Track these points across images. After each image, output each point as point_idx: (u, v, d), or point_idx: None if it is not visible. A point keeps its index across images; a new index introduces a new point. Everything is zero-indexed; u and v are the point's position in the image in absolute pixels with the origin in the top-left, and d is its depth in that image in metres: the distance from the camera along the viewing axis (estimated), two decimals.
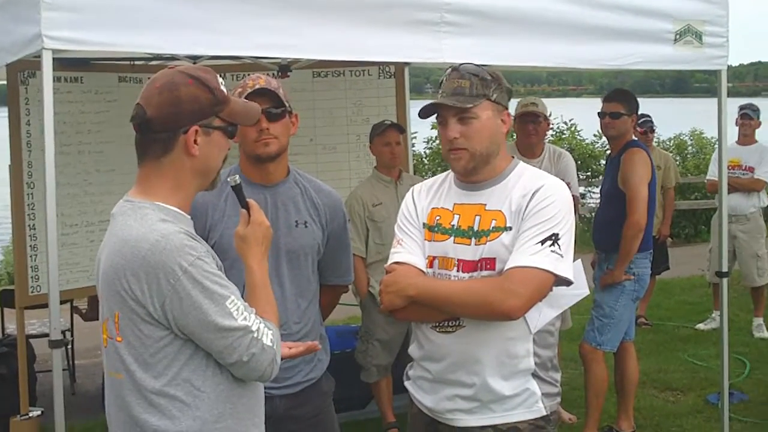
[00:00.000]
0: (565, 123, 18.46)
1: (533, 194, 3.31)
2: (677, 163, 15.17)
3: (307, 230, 3.89)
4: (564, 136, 18.10)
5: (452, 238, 3.41)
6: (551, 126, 16.64)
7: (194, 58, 6.72)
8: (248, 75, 4.60)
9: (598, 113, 6.48)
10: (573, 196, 6.51)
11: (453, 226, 3.42)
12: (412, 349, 3.60)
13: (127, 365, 2.73)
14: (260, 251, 2.99)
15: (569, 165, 6.84)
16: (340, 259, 4.08)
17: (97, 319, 7.61)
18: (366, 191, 6.56)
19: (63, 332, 8.08)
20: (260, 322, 2.77)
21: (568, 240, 3.28)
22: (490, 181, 3.44)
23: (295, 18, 4.48)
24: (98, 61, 6.67)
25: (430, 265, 3.45)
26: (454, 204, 3.48)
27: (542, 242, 3.22)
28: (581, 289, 3.57)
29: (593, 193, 17.18)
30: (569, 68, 5.51)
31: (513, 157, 3.57)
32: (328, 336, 6.90)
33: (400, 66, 7.65)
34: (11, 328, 7.83)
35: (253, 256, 2.96)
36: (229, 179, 3.07)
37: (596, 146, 17.66)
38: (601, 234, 6.55)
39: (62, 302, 7.37)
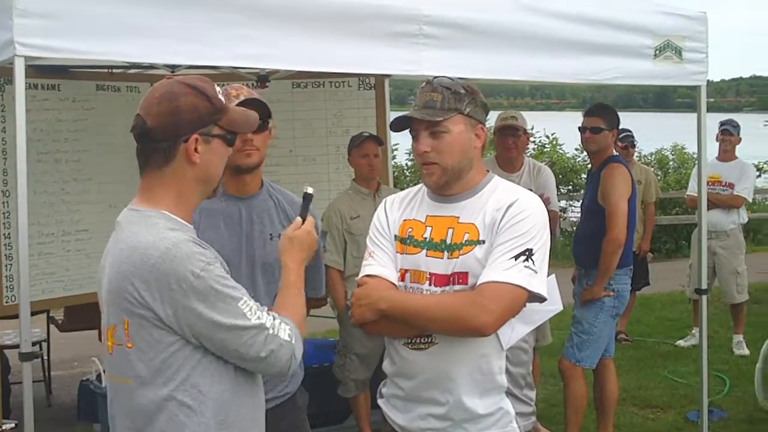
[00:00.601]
0: (547, 137, 18.48)
1: (507, 208, 3.26)
2: (658, 177, 15.21)
3: None
4: (546, 149, 18.10)
5: (424, 251, 3.36)
6: (533, 140, 16.72)
7: (172, 68, 6.68)
8: (227, 84, 4.59)
9: (579, 128, 6.46)
10: (552, 210, 6.61)
11: (425, 238, 3.37)
12: (385, 365, 3.55)
13: (137, 371, 2.75)
14: (301, 256, 3.14)
15: (549, 179, 6.81)
16: (312, 271, 4.02)
17: (74, 330, 7.57)
18: (344, 204, 6.52)
19: (39, 343, 8.04)
20: (275, 319, 2.82)
21: (542, 255, 3.24)
22: (463, 194, 3.39)
23: (272, 28, 4.46)
24: (76, 68, 6.61)
25: (402, 278, 3.40)
26: (427, 216, 3.43)
27: (516, 257, 3.17)
28: (555, 305, 3.55)
29: (574, 207, 17.17)
30: (548, 82, 5.50)
31: (488, 171, 3.52)
32: (305, 349, 6.94)
33: (380, 78, 7.62)
34: None
35: (293, 258, 3.12)
36: (307, 189, 3.25)
37: (578, 160, 17.65)
38: (581, 249, 6.52)
39: (38, 312, 7.40)
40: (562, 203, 16.37)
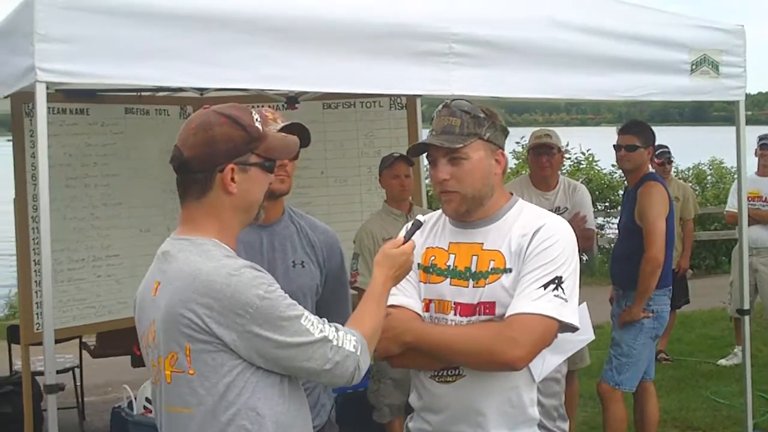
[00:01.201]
0: (583, 153, 18.30)
1: (534, 234, 3.12)
2: (696, 193, 15.00)
3: (305, 270, 3.76)
4: (581, 166, 17.92)
5: (448, 279, 3.23)
6: (568, 156, 16.57)
7: (201, 90, 6.63)
8: (260, 106, 4.55)
9: (614, 146, 6.33)
10: (590, 228, 6.49)
11: (449, 266, 3.25)
12: (412, 399, 3.41)
13: (200, 397, 2.75)
14: (391, 273, 3.10)
15: (585, 197, 6.68)
16: (339, 298, 3.92)
17: (106, 356, 7.54)
18: (376, 225, 6.43)
19: (71, 369, 8.01)
20: (338, 330, 2.82)
21: (572, 283, 3.09)
22: (487, 219, 3.25)
23: (296, 50, 4.40)
24: (104, 92, 6.57)
25: (427, 308, 3.28)
26: (450, 243, 3.30)
27: (545, 286, 3.04)
28: (587, 334, 3.41)
29: (611, 224, 16.97)
30: (581, 100, 5.37)
31: (512, 194, 3.38)
32: None
33: (411, 97, 7.52)
34: (19, 364, 7.68)
35: (383, 273, 3.09)
36: (419, 217, 3.25)
37: (614, 176, 17.48)
38: (619, 269, 6.38)
39: (70, 339, 7.36)
40: (599, 220, 16.21)
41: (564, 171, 16.65)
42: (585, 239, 6.49)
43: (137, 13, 4.11)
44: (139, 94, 6.91)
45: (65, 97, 6.36)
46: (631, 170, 6.27)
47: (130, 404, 6.19)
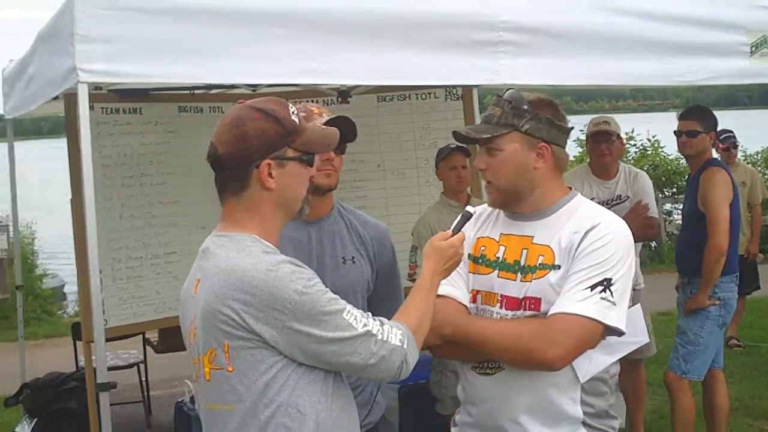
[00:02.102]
0: (649, 140, 18.05)
1: (587, 233, 3.03)
2: (765, 177, 14.66)
3: (355, 266, 3.69)
4: (648, 153, 17.65)
5: (497, 271, 3.17)
6: (632, 143, 16.34)
7: (253, 87, 6.61)
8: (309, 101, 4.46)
9: (675, 132, 6.20)
10: (652, 217, 6.35)
11: (498, 258, 3.18)
12: (458, 391, 3.38)
13: (239, 394, 2.72)
14: (440, 266, 3.07)
15: (646, 185, 6.53)
16: (392, 294, 3.85)
17: (169, 351, 7.62)
18: (434, 217, 6.37)
19: (136, 364, 8.11)
20: (383, 324, 2.78)
21: (622, 286, 3.00)
22: (540, 212, 3.17)
23: (338, 43, 4.37)
24: (157, 91, 6.59)
25: (474, 299, 3.23)
26: (501, 234, 3.23)
27: (592, 288, 2.95)
28: (640, 336, 3.30)
29: (678, 210, 16.70)
30: (635, 86, 5.24)
31: (571, 188, 3.29)
32: None
33: (467, 87, 7.42)
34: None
35: (430, 266, 3.06)
36: (469, 208, 3.23)
37: (681, 162, 17.16)
38: (684, 257, 6.26)
39: (133, 335, 7.43)
40: (667, 206, 15.97)
41: (630, 158, 16.44)
42: (648, 227, 6.39)
43: (175, 11, 4.10)
44: (192, 92, 6.92)
45: (118, 97, 6.39)
46: (693, 156, 6.13)
47: (192, 399, 6.22)
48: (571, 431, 3.13)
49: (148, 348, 8.38)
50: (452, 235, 3.11)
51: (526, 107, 3.11)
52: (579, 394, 3.12)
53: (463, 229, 3.17)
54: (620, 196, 6.44)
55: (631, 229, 6.22)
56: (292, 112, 2.85)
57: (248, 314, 2.63)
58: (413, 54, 4.51)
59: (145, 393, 8.37)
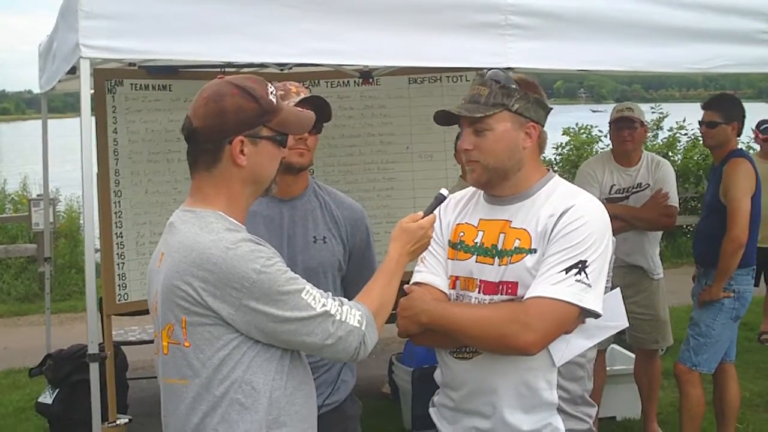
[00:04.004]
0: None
1: (561, 215, 3.01)
2: None
3: (326, 246, 3.70)
4: (699, 141, 17.38)
5: (475, 256, 3.16)
6: (684, 132, 16.10)
7: (282, 66, 6.64)
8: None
9: (699, 122, 6.13)
10: (673, 206, 6.28)
11: (476, 243, 3.17)
12: (436, 374, 3.39)
13: (195, 369, 2.74)
14: (407, 249, 3.08)
15: (668, 173, 6.45)
16: (365, 276, 3.86)
17: None
18: None
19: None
20: (342, 305, 2.80)
21: (598, 267, 2.98)
22: (517, 196, 3.16)
23: (346, 23, 4.37)
24: (186, 68, 6.65)
25: (453, 285, 3.23)
26: (480, 219, 3.23)
27: (566, 270, 2.93)
28: (619, 320, 3.27)
29: None
30: (647, 72, 5.15)
31: (549, 169, 3.27)
32: (417, 351, 6.81)
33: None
34: (116, 333, 7.90)
35: (396, 247, 3.07)
36: (442, 191, 3.16)
37: None
38: (701, 247, 6.16)
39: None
40: None
41: (680, 147, 16.22)
42: (667, 216, 6.34)
43: None
44: (222, 69, 6.96)
45: (148, 73, 6.45)
46: (713, 147, 6.04)
47: None
48: (547, 416, 3.12)
49: None
50: (423, 217, 3.11)
51: (514, 86, 3.11)
52: (555, 377, 3.10)
53: (435, 212, 3.17)
54: (641, 183, 6.38)
55: (650, 217, 6.22)
56: (271, 92, 2.85)
57: (206, 291, 2.65)
58: (421, 35, 4.50)
59: None
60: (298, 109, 3.09)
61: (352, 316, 2.79)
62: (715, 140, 6.00)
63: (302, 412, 2.89)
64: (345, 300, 2.84)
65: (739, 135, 6.04)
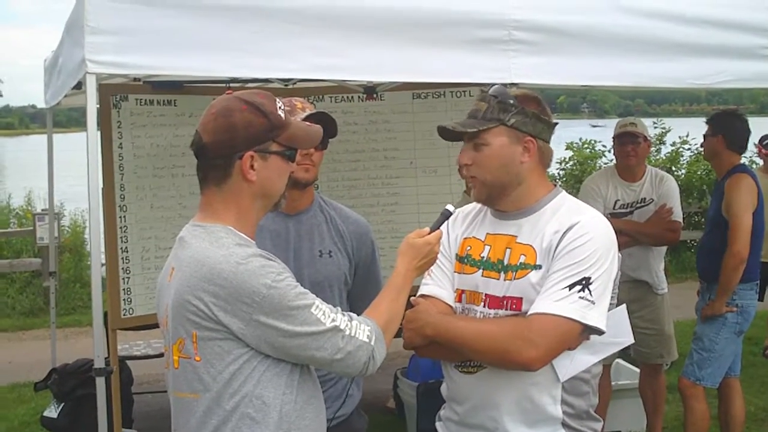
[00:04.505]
0: None
1: (566, 232, 3.02)
2: None
3: (332, 260, 3.72)
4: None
5: (481, 270, 3.18)
6: (687, 147, 16.11)
7: (286, 81, 6.68)
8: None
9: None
10: (676, 221, 6.30)
11: (482, 258, 3.19)
12: (443, 388, 3.41)
13: (206, 384, 2.75)
14: (414, 264, 3.08)
15: (671, 188, 6.47)
16: (370, 290, 3.87)
17: None
18: None
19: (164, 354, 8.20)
20: (351, 320, 2.81)
21: (602, 284, 2.98)
22: (523, 211, 3.18)
23: (349, 39, 4.40)
24: (192, 84, 6.67)
25: (459, 299, 3.24)
26: (487, 234, 3.24)
27: (570, 287, 2.94)
28: (624, 337, 3.27)
29: None
30: (650, 87, 5.20)
31: (555, 185, 3.29)
32: (423, 365, 6.81)
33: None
34: (121, 347, 7.91)
35: (404, 262, 3.08)
36: (449, 206, 3.18)
37: None
38: (704, 262, 6.18)
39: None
40: None
41: (683, 162, 16.23)
42: (671, 231, 6.35)
43: (185, 4, 4.17)
44: (227, 85, 6.99)
45: (153, 88, 6.48)
46: (709, 159, 6.17)
47: None
48: (551, 431, 3.13)
49: None
50: (429, 233, 3.12)
51: (512, 102, 3.12)
52: (560, 393, 3.10)
53: (441, 228, 3.19)
54: (645, 198, 6.40)
55: (654, 232, 6.23)
56: (279, 107, 2.87)
57: (217, 306, 2.66)
58: (425, 51, 4.53)
59: None
60: (306, 123, 3.12)
61: (362, 331, 2.80)
62: (706, 152, 6.20)
63: (312, 426, 2.90)
64: (354, 315, 2.85)
65: (736, 148, 6.03)
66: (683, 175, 15.66)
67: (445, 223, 3.23)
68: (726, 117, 6.13)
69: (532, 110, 3.14)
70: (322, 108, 4.34)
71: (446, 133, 3.26)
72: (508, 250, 3.13)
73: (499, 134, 3.10)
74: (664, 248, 6.73)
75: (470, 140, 3.14)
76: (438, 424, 3.44)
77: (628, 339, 3.32)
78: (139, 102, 6.44)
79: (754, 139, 8.18)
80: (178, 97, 6.69)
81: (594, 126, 43.47)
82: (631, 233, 6.22)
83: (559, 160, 16.35)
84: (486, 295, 3.14)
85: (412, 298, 3.29)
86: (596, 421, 3.26)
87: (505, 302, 3.08)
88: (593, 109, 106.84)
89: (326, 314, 2.74)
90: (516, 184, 3.15)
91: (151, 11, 4.11)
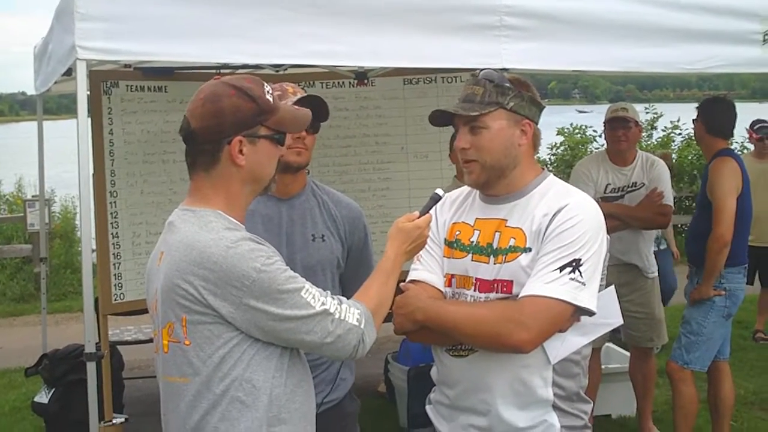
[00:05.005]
0: None
1: (555, 214, 3.04)
2: None
3: (325, 244, 3.72)
4: (694, 142, 17.44)
5: (470, 255, 3.19)
6: (679, 132, 16.15)
7: (277, 67, 6.66)
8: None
9: None
10: (667, 205, 6.32)
11: (472, 242, 3.20)
12: (433, 372, 3.42)
13: (195, 368, 2.75)
14: (404, 248, 3.10)
15: (662, 173, 6.49)
16: (362, 274, 3.87)
17: None
18: None
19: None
20: (341, 303, 2.82)
21: (592, 266, 3.00)
22: (513, 195, 3.19)
23: (340, 25, 4.39)
24: (183, 70, 6.66)
25: (449, 283, 3.25)
26: (476, 219, 3.25)
27: (561, 269, 2.96)
28: (613, 318, 3.30)
29: None
30: (641, 72, 5.20)
31: (543, 168, 3.30)
32: (414, 349, 6.83)
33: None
34: (112, 332, 7.91)
35: (393, 246, 3.09)
36: (438, 190, 3.21)
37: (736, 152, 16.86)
38: (693, 246, 6.18)
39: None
40: None
41: (675, 147, 16.27)
42: (662, 215, 6.38)
43: None
44: (218, 71, 6.97)
45: (143, 75, 6.46)
46: (698, 145, 6.13)
47: None
48: (542, 413, 3.14)
49: None
50: (419, 217, 3.13)
51: (508, 85, 3.14)
52: (551, 375, 3.12)
53: (430, 212, 3.20)
54: (636, 183, 6.42)
55: (645, 215, 6.26)
56: (267, 91, 2.87)
57: (206, 290, 2.66)
58: (417, 37, 4.53)
59: None
60: (295, 107, 3.11)
61: (351, 315, 2.81)
62: (696, 137, 6.25)
63: (302, 410, 2.91)
64: (344, 298, 2.85)
65: (717, 133, 6.02)
66: (674, 160, 15.69)
67: (433, 208, 3.24)
68: (707, 103, 6.15)
69: (527, 93, 3.17)
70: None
71: (437, 119, 3.27)
72: (497, 233, 3.14)
73: (498, 117, 3.12)
74: (654, 232, 6.76)
75: (466, 124, 3.15)
76: (428, 408, 3.46)
77: (618, 320, 3.34)
78: (130, 88, 6.43)
79: (745, 124, 8.21)
80: (169, 84, 6.67)
81: (581, 112, 43.21)
82: (622, 217, 6.25)
83: (550, 146, 16.38)
84: (476, 279, 3.15)
85: (401, 283, 3.29)
86: (586, 403, 3.28)
87: (495, 285, 3.10)
88: (584, 95, 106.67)
89: (316, 298, 2.75)
90: (513, 166, 3.17)
91: None
